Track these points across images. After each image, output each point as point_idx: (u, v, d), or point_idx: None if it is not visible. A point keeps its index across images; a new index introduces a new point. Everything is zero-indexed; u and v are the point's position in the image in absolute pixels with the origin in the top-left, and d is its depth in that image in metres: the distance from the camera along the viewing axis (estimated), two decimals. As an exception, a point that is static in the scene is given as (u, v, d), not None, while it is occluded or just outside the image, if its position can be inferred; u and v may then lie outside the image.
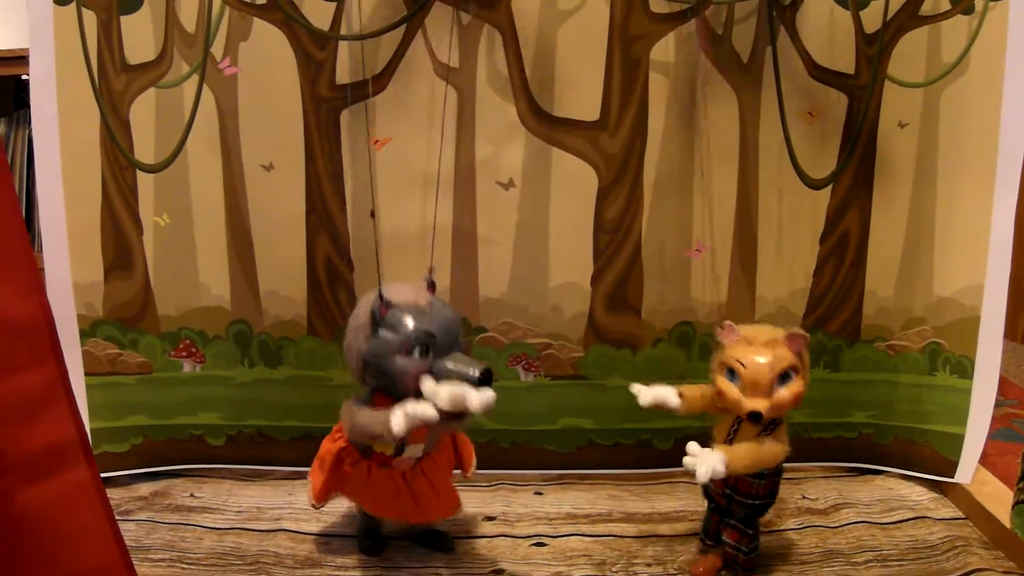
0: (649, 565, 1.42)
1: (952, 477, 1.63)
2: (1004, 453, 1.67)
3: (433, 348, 1.24)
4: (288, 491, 1.67)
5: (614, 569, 1.42)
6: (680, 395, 1.35)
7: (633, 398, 1.36)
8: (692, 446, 1.24)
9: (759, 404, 1.24)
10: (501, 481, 1.71)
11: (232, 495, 1.66)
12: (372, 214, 1.49)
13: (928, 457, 1.67)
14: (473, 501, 1.60)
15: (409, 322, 1.25)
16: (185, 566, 1.42)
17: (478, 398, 1.19)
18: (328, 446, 1.41)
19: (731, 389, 1.26)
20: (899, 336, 1.68)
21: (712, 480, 1.27)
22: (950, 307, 1.62)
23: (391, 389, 1.27)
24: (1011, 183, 1.53)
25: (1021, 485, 1.39)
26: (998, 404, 1.63)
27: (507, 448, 1.72)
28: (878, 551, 1.46)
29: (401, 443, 1.32)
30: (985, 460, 1.63)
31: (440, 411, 1.20)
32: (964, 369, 1.61)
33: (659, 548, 1.48)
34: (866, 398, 1.72)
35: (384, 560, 1.45)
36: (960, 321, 1.61)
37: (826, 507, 1.61)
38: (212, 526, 1.55)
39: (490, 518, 1.57)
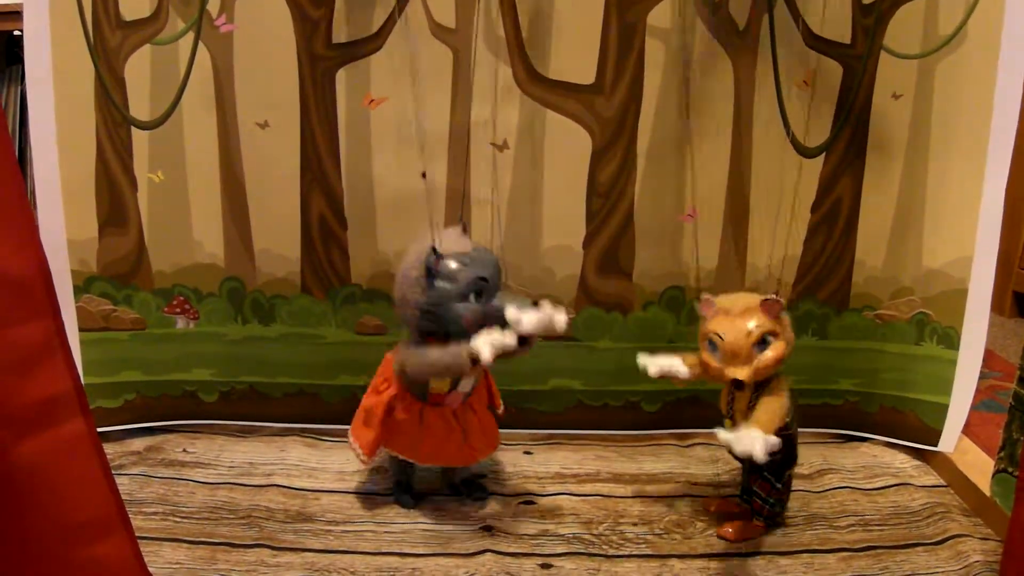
0: (635, 524, 1.45)
1: (935, 446, 1.65)
2: (987, 424, 1.69)
3: (487, 292, 1.31)
4: (280, 447, 1.69)
5: (601, 528, 1.44)
6: (686, 363, 1.36)
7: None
8: (722, 434, 1.24)
9: (740, 372, 1.27)
10: (491, 441, 1.73)
11: (224, 450, 1.68)
12: (423, 175, 1.50)
13: (912, 426, 1.69)
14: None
15: (463, 271, 1.30)
16: (178, 519, 1.44)
17: (562, 319, 1.29)
18: (373, 399, 1.44)
19: (713, 360, 1.29)
20: (887, 305, 1.69)
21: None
22: (938, 278, 1.63)
23: (446, 333, 1.32)
24: (1003, 157, 1.53)
25: (1002, 455, 1.41)
26: (983, 376, 1.65)
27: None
28: (860, 516, 1.49)
29: (456, 378, 1.38)
30: (968, 430, 1.65)
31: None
32: (950, 340, 1.63)
33: (645, 508, 1.50)
34: (853, 366, 1.74)
35: (376, 516, 1.47)
36: (948, 293, 1.62)
37: (811, 472, 1.63)
38: (204, 481, 1.56)
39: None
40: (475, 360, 1.27)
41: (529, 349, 1.33)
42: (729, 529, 1.42)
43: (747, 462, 1.42)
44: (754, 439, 1.18)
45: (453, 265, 1.31)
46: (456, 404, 1.42)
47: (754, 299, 1.30)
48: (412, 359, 1.35)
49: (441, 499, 1.52)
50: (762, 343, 1.28)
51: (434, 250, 1.30)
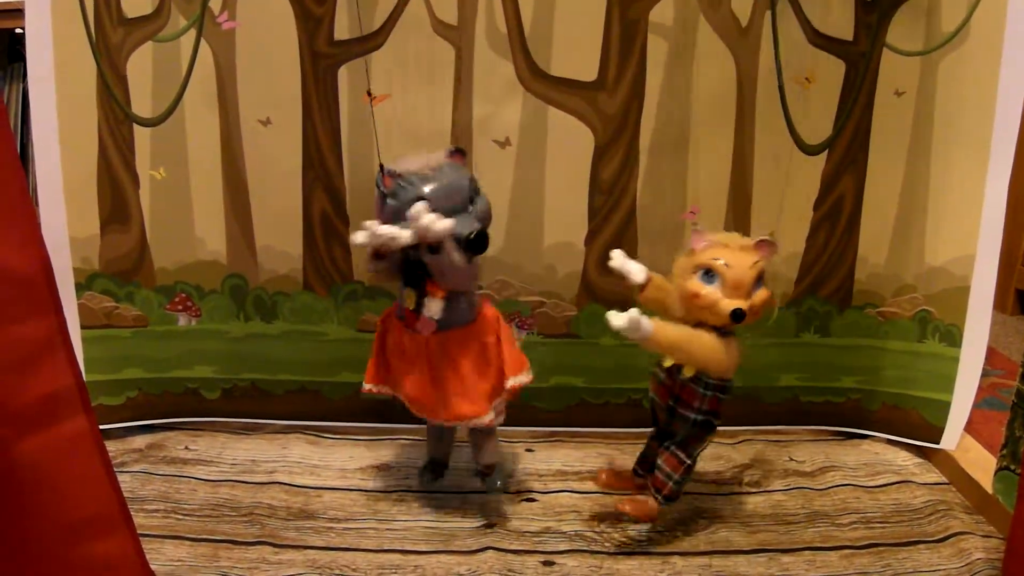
0: (637, 522, 1.45)
1: (938, 443, 1.65)
2: (989, 421, 1.69)
3: (436, 211, 1.26)
4: (282, 444, 1.69)
5: (603, 525, 1.44)
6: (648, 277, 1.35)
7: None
8: (613, 314, 1.23)
9: (742, 303, 1.24)
10: (493, 439, 1.73)
11: (226, 448, 1.68)
12: (381, 167, 1.50)
13: (914, 423, 1.69)
14: (465, 457, 1.62)
15: (405, 189, 1.28)
16: (180, 517, 1.44)
17: (442, 222, 1.25)
18: (381, 316, 1.46)
19: (709, 291, 1.25)
20: (890, 303, 1.69)
21: (659, 385, 1.32)
22: (941, 276, 1.63)
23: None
24: (1005, 154, 1.53)
25: (1004, 452, 1.41)
26: (985, 373, 1.65)
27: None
28: (862, 513, 1.49)
29: (420, 296, 1.33)
30: (970, 427, 1.65)
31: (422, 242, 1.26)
32: (953, 338, 1.63)
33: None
34: (855, 363, 1.74)
35: (378, 513, 1.47)
36: (950, 290, 1.62)
37: (813, 470, 1.63)
38: (206, 478, 1.56)
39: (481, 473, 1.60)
40: (376, 254, 1.29)
41: (441, 259, 1.28)
42: (628, 506, 1.38)
43: (661, 430, 1.40)
44: (626, 314, 1.20)
45: (401, 183, 1.29)
46: (427, 331, 1.35)
47: (747, 239, 1.29)
48: None
49: (443, 496, 1.52)
50: (758, 281, 1.27)
51: (381, 167, 1.30)
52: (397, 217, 1.28)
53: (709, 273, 1.25)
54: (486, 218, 1.34)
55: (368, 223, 1.27)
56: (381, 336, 1.44)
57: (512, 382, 1.39)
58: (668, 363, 1.34)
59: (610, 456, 1.66)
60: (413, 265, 1.31)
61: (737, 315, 1.23)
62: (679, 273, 1.30)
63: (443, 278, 1.31)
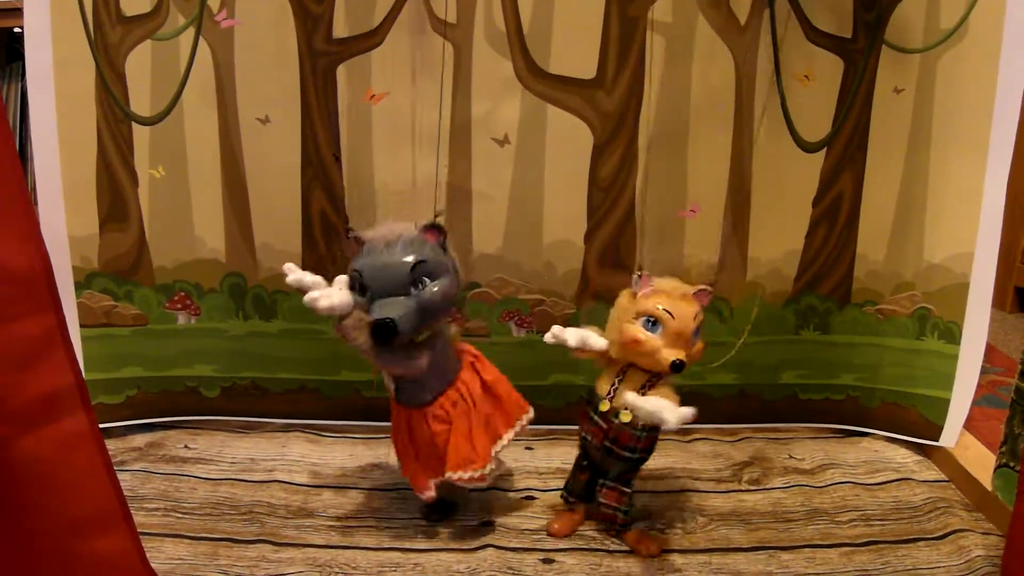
0: (637, 520, 1.45)
1: (937, 441, 1.65)
2: (988, 419, 1.69)
3: (365, 289, 1.24)
4: (282, 443, 1.69)
5: (603, 523, 1.44)
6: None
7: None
8: (630, 396, 1.23)
9: (682, 354, 1.25)
10: (492, 437, 1.73)
11: (226, 446, 1.68)
12: (336, 157, 1.50)
13: (914, 421, 1.69)
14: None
15: (357, 257, 1.26)
16: (179, 515, 1.44)
17: (323, 299, 1.22)
18: None
19: (651, 339, 1.26)
20: (889, 300, 1.69)
21: (593, 431, 1.33)
22: (940, 273, 1.63)
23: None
24: (1004, 152, 1.53)
25: (1004, 449, 1.41)
26: (984, 371, 1.65)
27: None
28: (862, 511, 1.49)
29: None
30: (970, 425, 1.65)
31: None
32: (952, 335, 1.63)
33: (646, 503, 1.50)
34: (854, 361, 1.74)
35: (377, 512, 1.47)
36: (949, 287, 1.62)
37: (812, 467, 1.63)
38: (206, 477, 1.56)
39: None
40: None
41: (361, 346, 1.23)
42: (556, 526, 1.41)
43: (590, 464, 1.41)
44: (668, 406, 1.18)
45: (361, 251, 1.26)
46: (398, 409, 1.36)
47: (687, 287, 1.30)
48: None
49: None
50: (696, 331, 1.28)
51: (347, 231, 1.29)
52: (352, 283, 1.26)
53: (652, 321, 1.27)
54: (430, 307, 1.25)
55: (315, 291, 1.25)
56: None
57: (519, 425, 1.41)
58: (604, 407, 1.34)
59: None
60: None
61: (676, 366, 1.25)
62: (620, 315, 1.31)
63: (377, 363, 1.28)
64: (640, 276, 1.30)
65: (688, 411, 1.18)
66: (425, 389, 1.35)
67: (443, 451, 1.34)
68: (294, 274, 1.27)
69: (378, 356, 1.26)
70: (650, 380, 1.32)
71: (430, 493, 1.38)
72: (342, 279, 1.26)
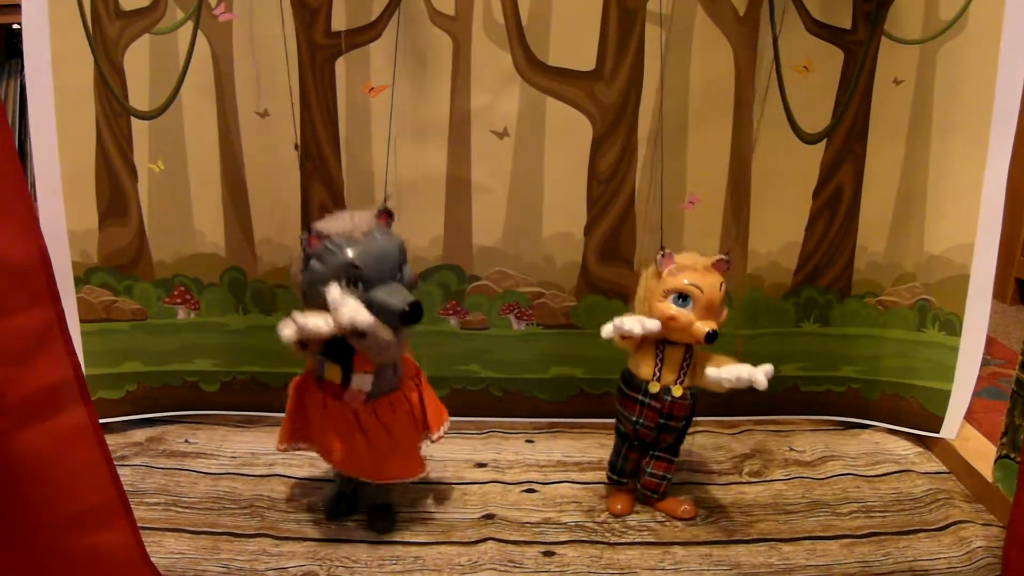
0: (637, 512, 1.45)
1: (937, 432, 1.65)
2: (989, 411, 1.69)
3: (362, 280, 1.21)
4: (282, 437, 1.69)
5: (603, 515, 1.44)
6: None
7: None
8: (711, 371, 1.30)
9: (714, 324, 1.30)
10: (492, 429, 1.73)
11: (226, 441, 1.68)
12: (296, 147, 1.49)
13: (914, 412, 1.69)
14: (465, 448, 1.63)
15: (335, 253, 1.21)
16: (180, 510, 1.44)
17: (348, 312, 1.17)
18: (294, 380, 1.41)
19: (684, 314, 1.30)
20: (889, 292, 1.69)
21: (647, 413, 1.36)
22: (940, 264, 1.62)
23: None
24: (1004, 143, 1.53)
25: (1004, 440, 1.41)
26: (985, 363, 1.65)
27: (499, 396, 1.74)
28: (862, 502, 1.49)
29: (348, 372, 1.29)
30: (970, 417, 1.65)
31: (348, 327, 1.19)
32: (952, 326, 1.63)
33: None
34: (855, 353, 1.74)
35: (376, 505, 1.47)
36: (950, 279, 1.62)
37: (813, 459, 1.63)
38: (206, 471, 1.57)
39: (481, 465, 1.60)
40: (302, 343, 1.23)
41: (367, 342, 1.23)
42: (619, 506, 1.45)
43: (639, 443, 1.43)
44: (750, 369, 1.24)
45: (328, 246, 1.22)
46: (356, 404, 1.31)
47: (704, 259, 1.33)
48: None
49: (442, 487, 1.52)
50: (722, 301, 1.33)
51: (307, 228, 1.23)
52: (320, 281, 1.21)
53: (682, 296, 1.30)
54: (414, 286, 1.28)
55: (295, 315, 1.21)
56: (298, 399, 1.40)
57: (438, 435, 1.40)
58: (655, 388, 1.37)
59: (609, 446, 1.65)
60: (337, 341, 1.25)
61: (711, 336, 1.29)
62: (648, 296, 1.35)
63: (372, 355, 1.27)
64: (663, 255, 1.32)
65: (768, 367, 1.25)
66: (397, 368, 1.35)
67: (422, 415, 1.38)
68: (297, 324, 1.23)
69: (396, 345, 1.26)
70: (688, 354, 1.36)
71: (426, 471, 1.38)
72: (334, 290, 1.20)
